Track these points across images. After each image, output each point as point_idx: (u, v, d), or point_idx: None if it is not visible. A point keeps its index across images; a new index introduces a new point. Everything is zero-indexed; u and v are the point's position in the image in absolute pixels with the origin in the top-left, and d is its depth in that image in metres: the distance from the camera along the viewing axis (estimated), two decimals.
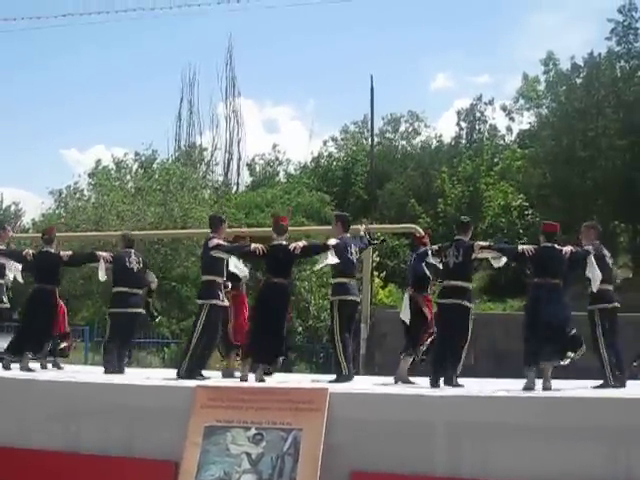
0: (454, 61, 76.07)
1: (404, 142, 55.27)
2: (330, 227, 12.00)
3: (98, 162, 40.23)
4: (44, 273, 11.95)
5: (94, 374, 11.07)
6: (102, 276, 12.05)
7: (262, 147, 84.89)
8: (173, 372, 10.77)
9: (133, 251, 12.32)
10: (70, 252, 12.69)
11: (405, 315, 10.28)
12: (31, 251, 12.48)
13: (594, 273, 9.69)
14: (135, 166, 41.42)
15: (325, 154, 54.95)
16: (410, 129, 55.64)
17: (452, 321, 9.82)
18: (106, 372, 11.36)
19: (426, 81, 77.58)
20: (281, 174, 54.91)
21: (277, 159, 55.59)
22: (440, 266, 10.18)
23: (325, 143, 56.26)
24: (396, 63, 74.48)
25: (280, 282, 10.25)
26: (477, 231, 41.00)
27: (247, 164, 54.16)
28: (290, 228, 11.48)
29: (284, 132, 73.71)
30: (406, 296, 10.48)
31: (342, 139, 55.98)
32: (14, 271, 12.51)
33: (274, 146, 56.12)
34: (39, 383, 9.49)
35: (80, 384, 9.37)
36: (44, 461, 8.36)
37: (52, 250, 12.14)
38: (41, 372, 11.50)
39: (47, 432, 8.58)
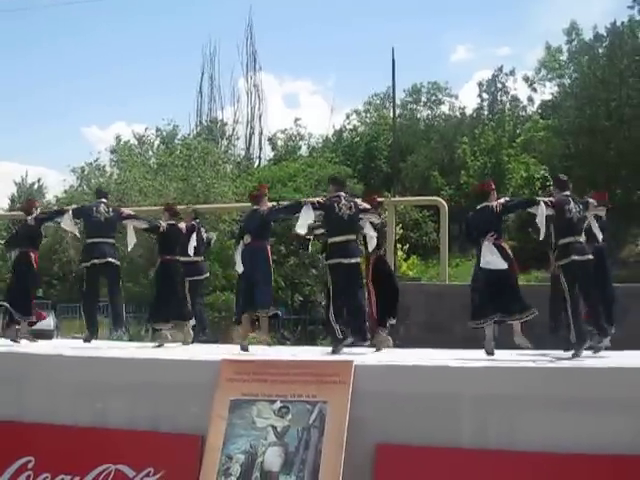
0: (474, 33, 75.80)
1: (428, 112, 55.02)
2: None
3: (118, 138, 40.30)
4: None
5: (120, 349, 11.12)
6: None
7: (283, 122, 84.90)
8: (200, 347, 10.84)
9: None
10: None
11: (501, 263, 9.74)
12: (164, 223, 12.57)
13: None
14: (157, 142, 41.47)
15: (348, 127, 54.88)
16: (433, 98, 55.39)
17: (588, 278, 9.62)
18: None
19: (446, 53, 77.34)
20: (303, 148, 54.80)
21: (299, 133, 55.46)
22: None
23: (348, 117, 56.21)
24: (416, 36, 74.31)
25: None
26: None
27: (269, 138, 54.09)
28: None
29: (304, 106, 73.81)
30: (488, 244, 9.73)
31: (365, 111, 55.86)
32: None
33: (296, 120, 56.00)
34: (66, 359, 9.54)
35: (106, 359, 9.42)
36: (72, 436, 8.42)
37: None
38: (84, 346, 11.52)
39: (73, 408, 8.63)
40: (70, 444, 8.31)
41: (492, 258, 9.45)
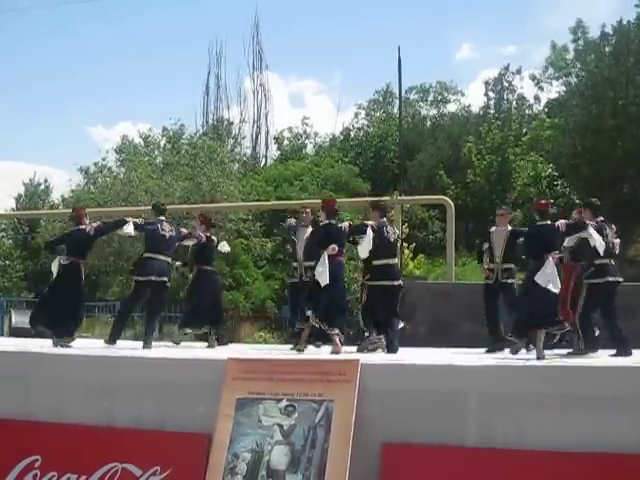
0: (479, 32, 75.75)
1: (434, 111, 55.06)
2: (359, 199, 12.13)
3: (124, 138, 40.31)
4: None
5: (126, 349, 11.13)
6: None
7: (289, 121, 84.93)
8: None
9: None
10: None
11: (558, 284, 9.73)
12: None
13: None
14: (163, 141, 41.49)
15: (356, 126, 54.90)
16: (439, 98, 55.42)
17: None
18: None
19: (451, 52, 77.29)
20: (309, 147, 54.82)
21: (305, 132, 55.47)
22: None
23: (357, 115, 56.23)
24: (421, 34, 74.29)
25: None
26: (505, 202, 41.06)
27: (275, 137, 54.12)
28: (317, 200, 11.63)
29: (310, 106, 73.77)
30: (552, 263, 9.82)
31: (371, 108, 55.88)
32: None
33: (303, 119, 56.02)
34: (73, 358, 9.56)
35: (114, 358, 9.43)
36: (79, 435, 8.43)
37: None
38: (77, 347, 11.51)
39: (81, 407, 8.64)
40: (77, 443, 8.33)
41: (553, 278, 9.52)
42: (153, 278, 11.75)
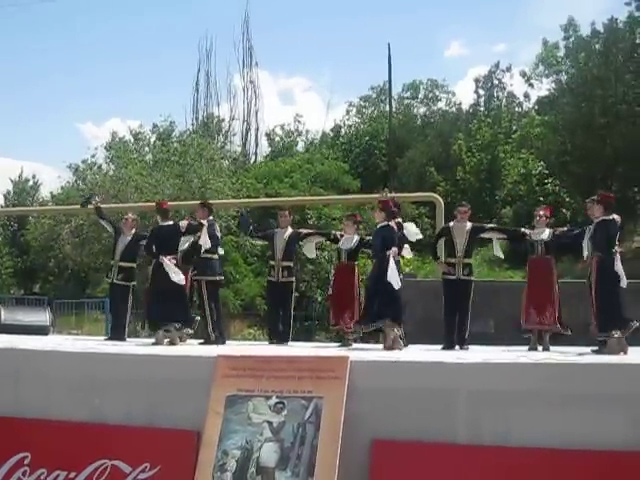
0: (468, 29, 75.90)
1: (424, 109, 55.17)
2: (347, 196, 12.37)
3: (114, 134, 40.26)
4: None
5: (116, 345, 11.13)
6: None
7: (278, 118, 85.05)
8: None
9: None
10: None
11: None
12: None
13: None
14: (153, 138, 41.44)
15: (347, 123, 54.96)
16: (430, 95, 55.52)
17: None
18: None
19: (440, 49, 77.42)
20: (300, 144, 54.84)
21: (297, 130, 55.47)
22: None
23: (348, 112, 56.28)
24: (410, 31, 74.39)
25: None
26: (496, 199, 41.14)
27: (266, 134, 54.14)
28: (309, 198, 11.83)
29: (300, 103, 73.77)
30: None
31: (362, 105, 55.97)
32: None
33: (296, 116, 56.02)
34: (62, 354, 9.55)
35: (102, 355, 9.42)
36: (68, 432, 8.42)
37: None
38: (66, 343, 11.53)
39: (69, 403, 8.63)
40: (66, 440, 8.31)
41: (622, 272, 9.63)
42: (218, 278, 12.76)
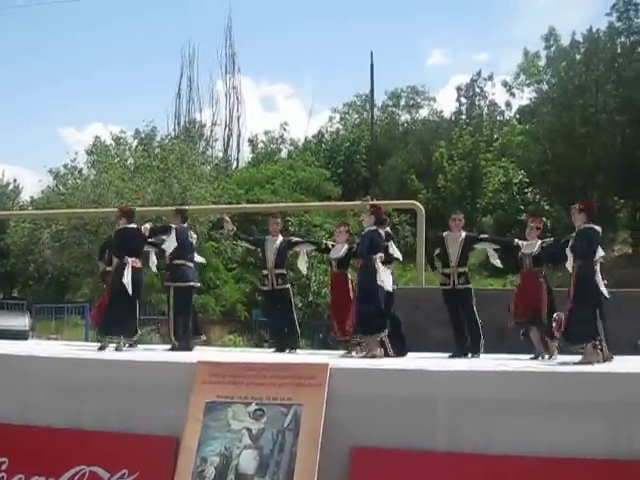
0: (450, 38, 76.17)
1: (407, 116, 55.32)
2: (328, 203, 12.33)
3: (96, 139, 40.14)
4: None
5: (94, 351, 11.08)
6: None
7: (261, 124, 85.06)
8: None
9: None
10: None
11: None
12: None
13: None
14: (135, 143, 41.35)
15: (330, 129, 55.05)
16: (411, 102, 55.68)
17: None
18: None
19: (422, 57, 77.67)
20: (283, 151, 54.89)
21: (282, 137, 55.51)
22: None
23: (331, 119, 56.39)
24: (392, 40, 74.63)
25: None
26: (477, 207, 41.24)
27: (249, 140, 54.17)
28: (290, 204, 11.81)
29: (282, 109, 73.83)
30: None
31: (346, 112, 56.12)
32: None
33: (282, 124, 55.99)
34: (39, 359, 9.50)
35: (81, 360, 9.38)
36: (46, 438, 8.38)
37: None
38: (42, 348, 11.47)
39: (47, 409, 8.59)
40: (44, 445, 8.27)
41: (601, 282, 9.74)
42: (192, 284, 12.54)
